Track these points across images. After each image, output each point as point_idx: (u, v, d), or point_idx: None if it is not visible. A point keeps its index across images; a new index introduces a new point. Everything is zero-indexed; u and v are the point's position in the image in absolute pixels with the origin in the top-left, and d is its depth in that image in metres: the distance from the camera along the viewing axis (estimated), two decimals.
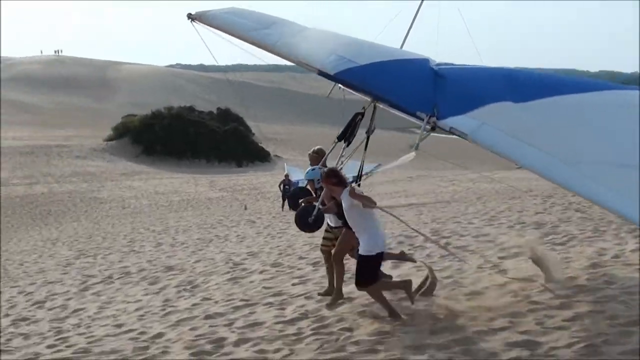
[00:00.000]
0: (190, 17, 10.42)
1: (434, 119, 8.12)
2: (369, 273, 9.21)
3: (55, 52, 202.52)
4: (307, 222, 9.85)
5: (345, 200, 9.23)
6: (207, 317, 10.55)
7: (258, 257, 15.65)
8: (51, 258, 22.29)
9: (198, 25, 10.51)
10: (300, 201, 10.41)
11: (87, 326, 11.56)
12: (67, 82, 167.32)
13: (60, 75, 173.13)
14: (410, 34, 11.24)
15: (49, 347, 10.52)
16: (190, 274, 14.69)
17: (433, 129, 8.28)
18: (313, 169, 10.52)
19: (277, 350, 8.48)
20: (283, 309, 10.50)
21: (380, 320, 9.09)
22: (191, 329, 9.97)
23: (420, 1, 11.24)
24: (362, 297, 10.37)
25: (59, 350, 10.20)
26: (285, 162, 43.85)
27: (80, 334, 11.04)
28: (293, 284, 12.06)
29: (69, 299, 14.23)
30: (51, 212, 43.16)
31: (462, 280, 10.79)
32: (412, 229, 11.71)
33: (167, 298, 12.59)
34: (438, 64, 9.43)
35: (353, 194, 9.10)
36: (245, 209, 37.79)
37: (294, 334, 9.08)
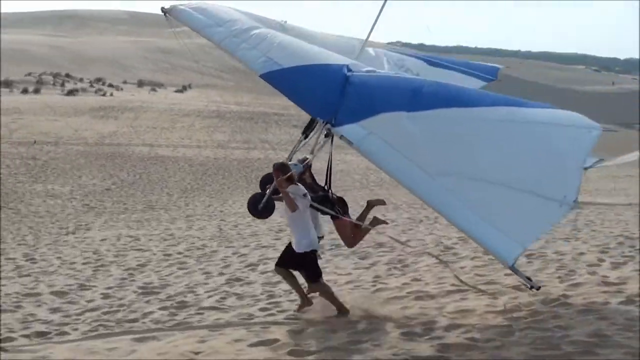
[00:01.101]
0: (163, 10, 10.73)
1: (328, 125, 8.73)
2: (316, 269, 10.03)
3: (281, 21, 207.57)
4: (256, 208, 10.01)
5: None
6: (418, 298, 10.47)
7: (469, 243, 15.35)
8: (264, 223, 22.85)
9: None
10: (267, 187, 10.36)
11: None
12: None
13: None
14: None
15: (261, 309, 10.82)
16: (400, 253, 14.62)
17: (327, 135, 9.00)
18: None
19: (489, 340, 8.28)
20: (495, 298, 10.27)
21: (598, 322, 8.69)
22: (402, 308, 9.94)
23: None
24: (579, 297, 9.98)
25: (271, 314, 10.46)
26: None
27: (293, 300, 11.26)
28: (506, 274, 11.74)
29: None
30: None
31: None
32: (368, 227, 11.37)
33: (378, 274, 12.61)
34: (354, 72, 9.52)
35: (281, 188, 9.56)
36: None
37: (506, 326, 8.84)
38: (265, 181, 10.62)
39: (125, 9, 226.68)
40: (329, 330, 9.08)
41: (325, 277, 12.74)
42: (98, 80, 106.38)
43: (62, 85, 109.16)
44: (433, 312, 9.58)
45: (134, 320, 11.09)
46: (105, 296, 13.11)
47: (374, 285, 11.69)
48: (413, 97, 9.08)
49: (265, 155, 55.09)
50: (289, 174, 9.59)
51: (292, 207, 9.60)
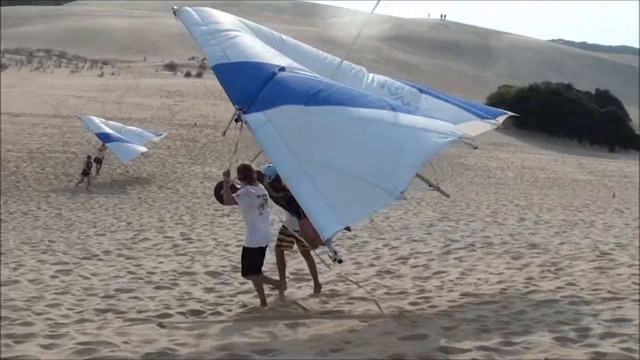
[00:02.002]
0: (174, 10, 12.04)
1: (240, 112, 9.80)
2: (249, 263, 11.04)
3: (440, 16, 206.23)
4: (219, 195, 11.53)
5: None
6: (572, 303, 10.19)
7: (627, 250, 14.85)
8: (415, 216, 22.85)
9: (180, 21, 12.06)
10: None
11: (448, 290, 11.71)
12: (449, 46, 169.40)
13: (443, 39, 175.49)
14: None
15: (411, 303, 10.82)
16: (554, 256, 14.27)
17: (237, 120, 9.92)
18: (269, 166, 11.73)
19: None
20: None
21: None
22: (555, 312, 9.70)
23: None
24: None
25: (421, 309, 10.44)
26: None
27: (441, 297, 11.22)
28: None
29: (431, 260, 14.50)
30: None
31: None
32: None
33: (530, 276, 12.34)
34: (285, 72, 10.55)
35: (225, 184, 10.94)
36: (614, 196, 36.26)
37: None
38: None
39: None
40: (481, 329, 8.97)
41: (476, 276, 12.68)
42: None
43: None
44: (588, 319, 9.32)
45: (286, 305, 11.31)
46: None
47: (526, 287, 11.45)
48: (314, 94, 10.04)
49: None
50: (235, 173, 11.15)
51: (226, 199, 10.97)
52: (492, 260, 14.12)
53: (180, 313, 11.07)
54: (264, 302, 11.29)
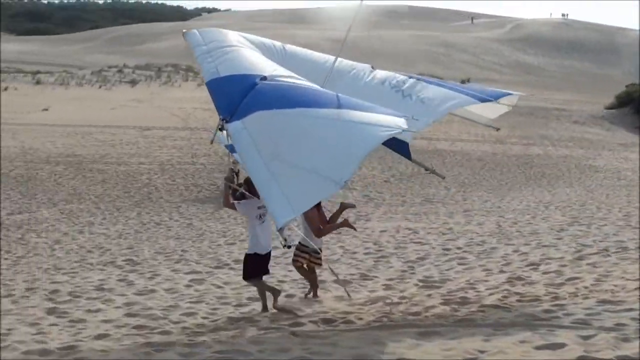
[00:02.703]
0: (183, 33, 12.73)
1: (223, 122, 10.17)
2: (250, 268, 12.02)
3: (562, 15, 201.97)
4: None
5: None
6: None
7: None
8: (544, 221, 22.38)
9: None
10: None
11: (583, 296, 11.40)
12: (573, 45, 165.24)
13: (566, 38, 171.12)
14: None
15: (545, 311, 10.55)
16: None
17: (221, 129, 10.35)
18: None
19: None
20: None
21: None
22: None
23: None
24: None
25: (556, 317, 10.17)
26: None
27: (576, 304, 10.93)
28: None
29: (563, 266, 14.18)
30: (545, 174, 43.12)
31: None
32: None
33: None
34: (266, 81, 10.90)
35: (225, 188, 12.45)
36: None
37: None
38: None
39: (404, 3, 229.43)
40: (621, 338, 8.72)
41: (612, 282, 12.33)
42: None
43: None
44: None
45: (417, 314, 11.26)
46: (387, 287, 13.42)
47: None
48: (287, 99, 10.62)
49: (545, 152, 53.87)
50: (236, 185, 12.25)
51: (224, 202, 12.49)
52: (628, 266, 13.66)
53: (312, 322, 11.16)
54: (264, 308, 12.05)
